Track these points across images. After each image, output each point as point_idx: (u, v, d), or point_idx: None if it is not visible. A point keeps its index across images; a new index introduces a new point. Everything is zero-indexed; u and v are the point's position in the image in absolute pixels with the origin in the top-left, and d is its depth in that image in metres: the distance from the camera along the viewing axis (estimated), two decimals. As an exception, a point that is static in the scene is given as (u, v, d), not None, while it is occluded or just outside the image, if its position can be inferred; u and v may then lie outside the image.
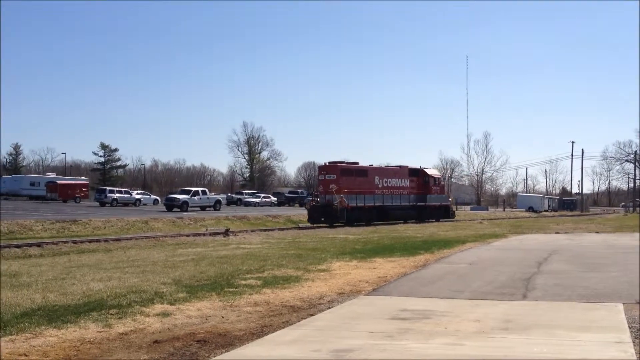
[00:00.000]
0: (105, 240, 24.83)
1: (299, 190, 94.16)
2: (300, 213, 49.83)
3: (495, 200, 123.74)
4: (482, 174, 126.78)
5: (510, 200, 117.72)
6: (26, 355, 6.83)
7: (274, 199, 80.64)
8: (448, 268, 14.99)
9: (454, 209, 53.37)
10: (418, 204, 48.20)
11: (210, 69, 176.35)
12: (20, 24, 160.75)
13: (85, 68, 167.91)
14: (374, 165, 48.33)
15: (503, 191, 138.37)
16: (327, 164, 43.46)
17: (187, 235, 28.49)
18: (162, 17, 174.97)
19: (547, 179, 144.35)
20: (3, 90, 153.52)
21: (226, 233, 29.91)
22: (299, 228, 36.93)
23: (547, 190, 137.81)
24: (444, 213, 51.30)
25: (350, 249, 20.83)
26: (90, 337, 7.71)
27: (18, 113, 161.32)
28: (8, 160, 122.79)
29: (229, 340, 7.59)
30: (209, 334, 7.91)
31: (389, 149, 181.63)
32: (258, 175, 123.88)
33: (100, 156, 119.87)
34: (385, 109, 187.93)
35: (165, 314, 9.17)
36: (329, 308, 9.65)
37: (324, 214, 40.87)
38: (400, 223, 44.12)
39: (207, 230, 32.86)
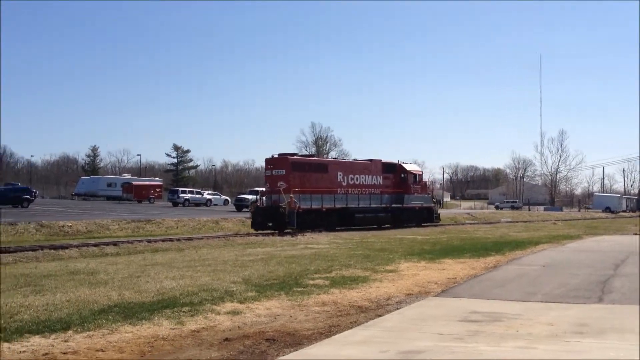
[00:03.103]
0: (178, 240, 25.44)
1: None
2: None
3: (570, 200, 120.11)
4: (556, 174, 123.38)
5: (586, 200, 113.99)
6: (103, 351, 7.08)
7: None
8: (520, 270, 14.64)
9: (439, 212, 45.11)
10: (393, 205, 39.43)
11: (279, 70, 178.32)
12: (93, 29, 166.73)
13: (161, 73, 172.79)
14: (338, 159, 41.53)
15: (578, 191, 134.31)
16: (275, 156, 34.77)
17: (256, 235, 28.85)
18: (234, 19, 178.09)
19: (625, 178, 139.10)
20: (79, 96, 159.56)
21: (294, 233, 30.15)
22: (367, 229, 36.69)
23: (625, 190, 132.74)
24: (426, 216, 42.33)
25: (419, 250, 20.64)
26: (163, 334, 7.92)
27: (96, 117, 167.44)
28: (86, 162, 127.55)
29: (298, 340, 7.65)
30: (277, 333, 8.00)
31: (459, 149, 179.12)
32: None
33: (173, 157, 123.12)
34: (456, 109, 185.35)
35: (235, 312, 9.33)
36: (397, 309, 9.58)
37: (271, 218, 32.88)
38: (373, 229, 36.06)
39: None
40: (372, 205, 37.65)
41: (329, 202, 34.85)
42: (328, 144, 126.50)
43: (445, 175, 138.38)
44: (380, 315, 9.02)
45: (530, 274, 13.76)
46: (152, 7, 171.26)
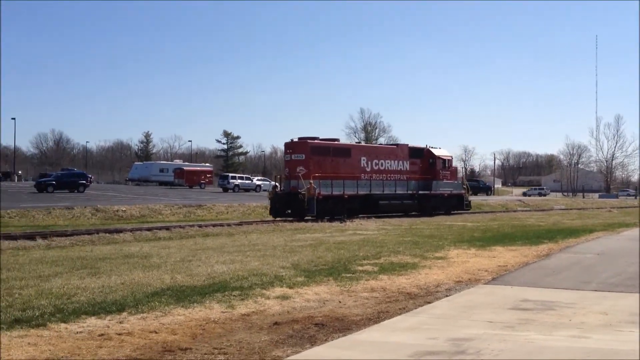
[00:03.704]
0: (228, 225, 25.79)
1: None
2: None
3: (627, 187, 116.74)
4: (612, 160, 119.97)
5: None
6: (156, 333, 7.25)
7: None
8: (573, 258, 14.34)
9: (469, 199, 41.90)
10: (420, 192, 37.39)
11: (328, 56, 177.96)
12: (142, 13, 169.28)
13: (212, 59, 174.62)
14: (362, 143, 38.60)
15: (635, 177, 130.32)
16: (294, 140, 33.16)
17: (305, 221, 29.00)
18: (283, 3, 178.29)
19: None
20: (132, 83, 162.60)
21: (343, 219, 30.20)
22: (412, 216, 36.41)
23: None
24: (456, 204, 40.00)
25: (469, 237, 20.42)
26: (214, 317, 8.07)
27: (149, 103, 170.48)
28: (140, 148, 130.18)
29: (346, 325, 7.69)
30: (326, 318, 8.05)
31: (511, 135, 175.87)
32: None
33: (223, 144, 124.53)
34: (508, 94, 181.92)
35: (284, 297, 9.42)
36: (447, 296, 9.52)
37: (290, 205, 31.66)
38: (398, 216, 34.22)
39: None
40: (397, 192, 35.87)
41: (352, 189, 33.21)
42: (377, 129, 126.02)
43: (497, 162, 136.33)
44: (429, 302, 8.98)
45: (584, 262, 13.47)
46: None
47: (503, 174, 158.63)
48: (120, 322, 7.69)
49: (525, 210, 48.80)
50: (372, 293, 9.93)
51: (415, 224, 27.86)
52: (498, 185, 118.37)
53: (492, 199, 63.25)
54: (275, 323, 7.76)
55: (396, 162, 36.43)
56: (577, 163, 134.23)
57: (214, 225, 25.31)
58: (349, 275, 11.63)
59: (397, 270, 12.34)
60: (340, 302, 9.19)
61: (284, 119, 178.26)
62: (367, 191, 34.01)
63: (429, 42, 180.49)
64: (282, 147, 34.90)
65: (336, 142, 34.49)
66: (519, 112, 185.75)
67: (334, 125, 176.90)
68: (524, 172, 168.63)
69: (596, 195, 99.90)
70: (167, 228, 23.46)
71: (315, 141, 32.91)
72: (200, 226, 24.79)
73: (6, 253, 15.66)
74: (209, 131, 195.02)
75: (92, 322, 7.65)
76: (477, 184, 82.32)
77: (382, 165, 35.52)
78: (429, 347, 6.26)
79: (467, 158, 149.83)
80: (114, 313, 8.12)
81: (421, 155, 38.37)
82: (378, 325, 7.51)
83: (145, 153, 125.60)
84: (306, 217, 30.62)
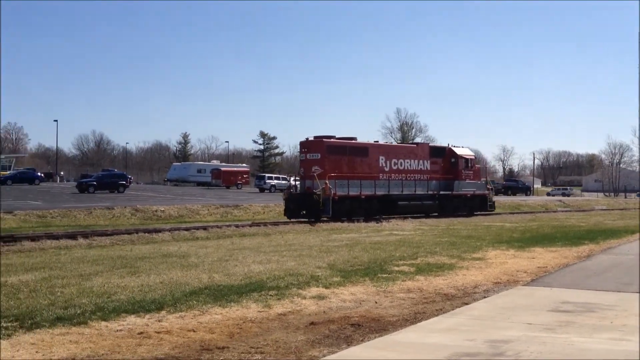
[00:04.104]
0: (265, 225, 25.94)
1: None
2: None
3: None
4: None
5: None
6: (194, 331, 7.33)
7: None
8: (615, 259, 14.06)
9: (493, 199, 40.19)
10: (441, 192, 36.15)
11: (363, 55, 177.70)
12: (180, 15, 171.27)
13: (249, 61, 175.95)
14: (380, 142, 35.87)
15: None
16: (310, 139, 32.17)
17: (341, 221, 28.99)
18: (324, 8, 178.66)
19: None
20: (170, 85, 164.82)
21: (379, 219, 30.11)
22: (453, 216, 36.09)
23: None
24: (479, 205, 38.44)
25: (507, 238, 20.17)
26: (251, 316, 8.12)
27: (186, 105, 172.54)
28: (177, 149, 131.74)
29: (383, 325, 7.66)
30: (362, 318, 8.03)
31: (551, 134, 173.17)
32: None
33: (260, 144, 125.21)
34: (548, 94, 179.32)
35: (320, 297, 9.43)
36: (485, 297, 9.42)
37: (305, 206, 30.72)
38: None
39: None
40: (417, 192, 34.69)
41: (369, 189, 32.19)
42: (413, 129, 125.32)
43: (536, 161, 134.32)
44: (466, 304, 8.89)
45: (626, 264, 13.18)
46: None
47: (542, 174, 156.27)
48: (159, 321, 7.79)
49: (566, 211, 48.02)
50: (409, 294, 9.88)
51: (452, 225, 27.63)
52: (537, 185, 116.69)
53: (531, 199, 62.42)
54: (312, 323, 7.78)
55: (416, 161, 35.41)
56: (619, 162, 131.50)
57: (250, 226, 25.49)
58: (385, 275, 11.59)
59: (434, 271, 12.26)
60: (376, 302, 9.17)
61: (321, 119, 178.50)
62: (385, 191, 33.05)
63: (468, 40, 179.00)
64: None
65: (353, 141, 33.37)
66: (559, 111, 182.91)
67: (370, 126, 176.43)
68: (564, 172, 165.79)
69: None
70: (205, 228, 23.69)
71: (331, 140, 32.03)
72: (237, 226, 24.97)
73: (49, 252, 16.02)
74: (245, 132, 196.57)
75: (132, 321, 7.78)
76: (515, 184, 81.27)
77: (401, 164, 34.54)
78: (466, 349, 6.21)
79: (505, 158, 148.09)
80: (153, 312, 8.24)
81: (443, 155, 37.30)
82: (415, 326, 7.47)
83: (183, 154, 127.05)
84: (322, 218, 29.84)
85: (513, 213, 40.47)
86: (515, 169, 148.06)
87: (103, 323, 7.61)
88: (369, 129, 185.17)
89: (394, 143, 36.50)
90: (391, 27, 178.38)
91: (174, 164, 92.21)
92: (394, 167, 33.99)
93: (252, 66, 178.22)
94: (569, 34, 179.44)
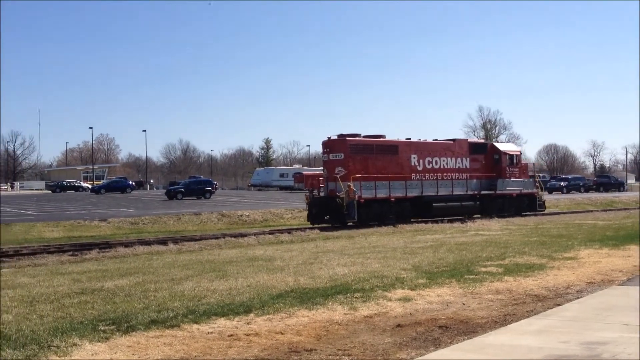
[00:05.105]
0: (348, 228, 26.01)
1: (540, 175, 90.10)
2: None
3: None
4: None
5: None
6: (282, 334, 7.44)
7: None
8: None
9: (543, 198, 36.92)
10: (482, 192, 33.10)
11: (444, 53, 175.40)
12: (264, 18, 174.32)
13: (328, 65, 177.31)
14: (412, 139, 32.67)
15: None
16: (332, 138, 29.81)
17: (425, 222, 28.69)
18: (407, 7, 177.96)
19: None
20: (251, 93, 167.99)
21: (464, 220, 29.59)
22: (526, 215, 34.94)
23: None
24: (527, 205, 35.11)
25: (600, 236, 19.39)
26: (337, 319, 8.16)
27: (268, 111, 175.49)
28: (260, 154, 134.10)
29: (471, 328, 7.53)
30: (450, 320, 7.92)
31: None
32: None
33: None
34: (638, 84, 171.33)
35: (406, 299, 9.37)
36: (578, 298, 9.12)
37: (328, 210, 28.58)
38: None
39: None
40: (455, 193, 31.89)
41: (399, 190, 29.75)
42: (497, 127, 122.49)
43: (629, 156, 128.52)
44: (559, 305, 8.63)
45: None
46: None
47: (637, 169, 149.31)
48: (247, 323, 7.95)
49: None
50: (497, 295, 9.67)
51: (541, 223, 26.83)
52: (631, 180, 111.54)
53: (624, 195, 59.67)
54: (398, 325, 7.74)
55: (453, 159, 32.57)
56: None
57: (333, 229, 25.61)
58: (472, 276, 11.38)
59: (524, 271, 11.93)
60: (464, 304, 9.02)
61: (401, 120, 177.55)
62: (418, 193, 30.57)
63: (550, 34, 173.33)
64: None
65: (381, 139, 30.84)
66: None
67: (452, 123, 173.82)
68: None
69: None
70: (289, 231, 24.00)
71: (356, 138, 29.70)
72: (320, 229, 25.15)
73: (141, 257, 16.65)
74: (326, 135, 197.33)
75: (222, 323, 7.97)
76: (607, 180, 77.96)
77: (436, 163, 31.83)
78: (560, 351, 6.02)
79: (596, 153, 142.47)
80: (241, 314, 8.41)
81: (484, 151, 34.51)
82: (505, 328, 7.30)
83: (265, 159, 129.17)
84: (348, 223, 27.79)
85: (606, 210, 38.87)
86: (607, 165, 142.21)
87: (195, 326, 7.83)
88: (450, 128, 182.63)
89: (429, 140, 32.87)
90: (470, 23, 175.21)
91: (257, 169, 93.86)
92: (428, 166, 31.50)
93: (331, 69, 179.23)
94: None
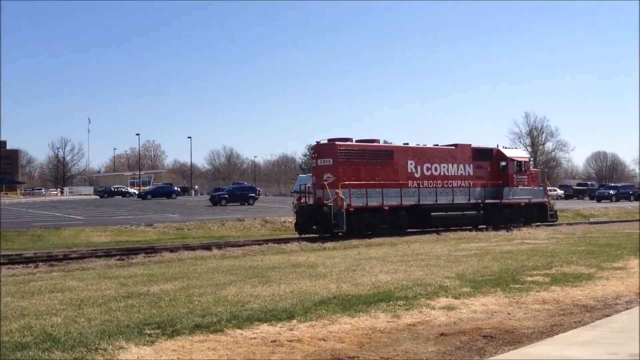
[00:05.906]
0: (390, 235, 25.88)
1: (589, 182, 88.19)
2: (585, 206, 46.29)
3: None
4: None
5: None
6: (324, 340, 7.44)
7: (560, 192, 76.35)
8: None
9: (555, 208, 35.15)
10: (487, 201, 31.07)
11: (488, 58, 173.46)
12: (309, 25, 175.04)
13: (369, 71, 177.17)
14: (409, 144, 30.39)
15: None
16: (321, 142, 28.15)
17: (470, 230, 28.36)
18: (441, 7, 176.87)
19: None
20: (294, 99, 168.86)
21: (509, 228, 29.14)
22: (590, 223, 34.21)
23: None
24: (537, 214, 33.12)
25: (651, 245, 18.85)
26: (380, 327, 8.12)
27: (310, 116, 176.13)
28: (303, 161, 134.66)
29: (517, 338, 7.41)
30: (495, 330, 7.81)
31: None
32: (542, 168, 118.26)
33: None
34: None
35: (450, 308, 9.27)
36: (627, 309, 8.89)
37: (315, 219, 26.80)
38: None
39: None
40: (456, 202, 29.95)
41: (394, 199, 27.89)
42: (544, 134, 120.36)
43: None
44: (607, 316, 8.43)
45: None
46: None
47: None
48: (290, 329, 7.97)
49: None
50: (544, 305, 9.49)
51: (589, 232, 26.28)
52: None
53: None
54: (442, 334, 7.66)
55: (455, 165, 30.58)
56: None
57: (376, 236, 25.51)
58: (517, 286, 11.19)
59: (571, 281, 11.69)
60: (509, 313, 8.88)
61: (444, 127, 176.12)
62: (414, 201, 28.67)
63: (595, 37, 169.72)
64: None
65: (373, 144, 29.03)
66: None
67: (497, 130, 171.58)
68: None
69: None
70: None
71: (347, 143, 27.83)
72: (362, 236, 25.09)
73: (186, 262, 16.88)
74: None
75: (265, 329, 8.01)
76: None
77: (435, 169, 29.91)
78: (609, 364, 5.87)
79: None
80: (284, 320, 8.44)
81: (489, 158, 32.30)
82: (552, 338, 7.16)
83: (308, 165, 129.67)
84: (339, 234, 26.07)
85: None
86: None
87: (238, 331, 7.89)
88: (496, 135, 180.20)
89: (428, 145, 30.98)
90: (516, 27, 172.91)
91: (300, 175, 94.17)
92: (427, 173, 29.56)
93: (373, 75, 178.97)
94: None
